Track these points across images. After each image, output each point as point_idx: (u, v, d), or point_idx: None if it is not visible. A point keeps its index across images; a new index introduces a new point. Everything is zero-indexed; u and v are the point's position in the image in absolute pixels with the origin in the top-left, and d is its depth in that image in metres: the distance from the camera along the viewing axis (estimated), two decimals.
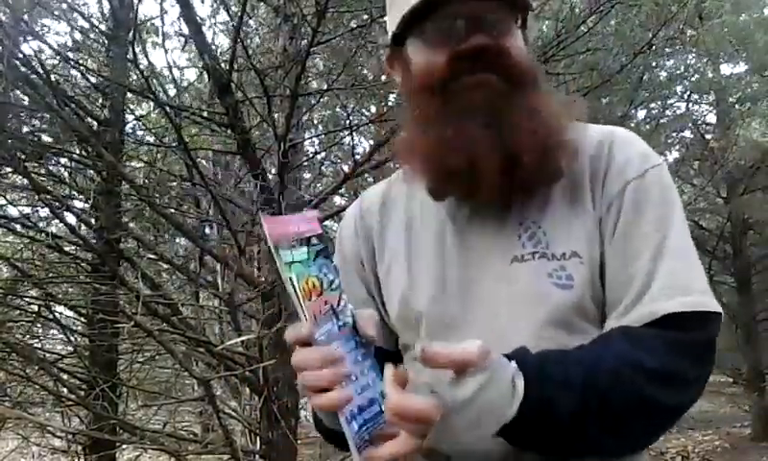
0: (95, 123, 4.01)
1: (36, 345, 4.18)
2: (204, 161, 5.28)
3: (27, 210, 4.28)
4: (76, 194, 3.98)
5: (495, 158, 0.80)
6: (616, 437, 0.74)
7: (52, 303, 3.84)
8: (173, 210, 3.75)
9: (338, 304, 0.72)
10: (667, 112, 7.55)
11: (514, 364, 0.69)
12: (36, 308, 3.95)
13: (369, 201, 1.02)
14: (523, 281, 0.83)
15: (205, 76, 3.68)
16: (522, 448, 0.72)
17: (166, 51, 4.83)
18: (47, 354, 3.98)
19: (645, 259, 0.80)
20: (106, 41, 4.69)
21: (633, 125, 6.37)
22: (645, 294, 0.78)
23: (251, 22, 4.70)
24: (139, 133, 4.75)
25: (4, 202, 4.09)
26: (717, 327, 0.80)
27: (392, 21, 0.91)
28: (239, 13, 2.85)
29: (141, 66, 2.93)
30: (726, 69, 7.82)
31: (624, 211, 0.82)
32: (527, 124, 0.80)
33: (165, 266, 4.43)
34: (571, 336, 0.80)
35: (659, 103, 7.13)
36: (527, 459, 0.74)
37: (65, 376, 3.73)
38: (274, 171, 3.55)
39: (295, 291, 0.70)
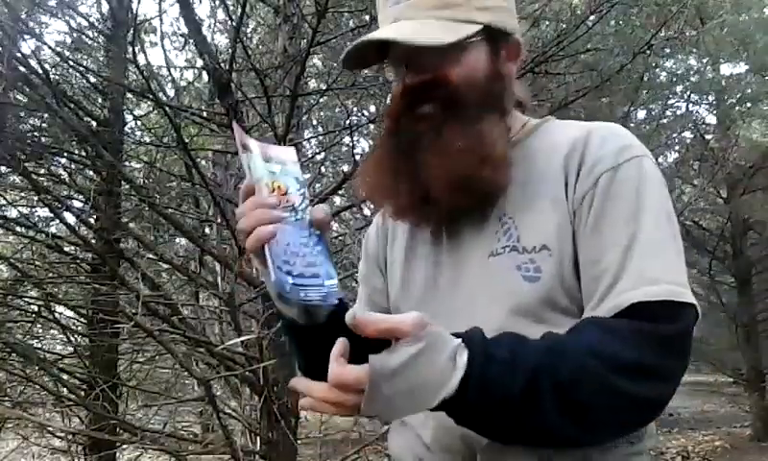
0: (94, 123, 4.01)
1: (36, 345, 4.19)
2: (203, 161, 5.28)
3: (27, 210, 4.29)
4: (76, 194, 3.98)
5: (405, 192, 0.89)
6: (580, 425, 0.73)
7: (52, 304, 3.84)
8: (173, 210, 3.75)
9: (299, 205, 0.82)
10: (667, 113, 7.54)
11: (458, 340, 0.69)
12: (36, 308, 3.95)
13: None
14: (496, 275, 0.86)
15: (204, 76, 3.68)
16: (469, 427, 0.73)
17: (165, 51, 4.83)
18: (47, 354, 3.98)
19: (616, 252, 0.79)
20: (105, 41, 4.69)
21: (633, 125, 6.37)
22: (615, 286, 0.78)
23: (250, 22, 4.70)
24: (138, 133, 4.75)
25: (4, 202, 4.09)
26: (690, 319, 0.78)
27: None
28: (239, 13, 2.85)
29: (141, 66, 2.93)
30: (726, 70, 7.82)
31: (596, 205, 0.82)
32: (434, 163, 0.85)
33: (165, 266, 4.43)
34: (540, 327, 0.80)
35: (659, 103, 7.12)
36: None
37: (65, 377, 3.74)
38: None
39: (251, 177, 0.80)
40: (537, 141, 0.92)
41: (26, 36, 3.31)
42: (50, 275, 3.91)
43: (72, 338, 4.11)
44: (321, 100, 4.68)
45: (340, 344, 0.70)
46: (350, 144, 4.08)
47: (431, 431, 0.86)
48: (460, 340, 0.70)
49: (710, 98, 8.10)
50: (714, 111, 8.40)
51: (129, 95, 4.50)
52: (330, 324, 0.86)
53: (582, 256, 0.83)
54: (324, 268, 0.80)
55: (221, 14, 5.01)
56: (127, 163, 4.63)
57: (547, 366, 0.70)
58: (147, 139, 4.15)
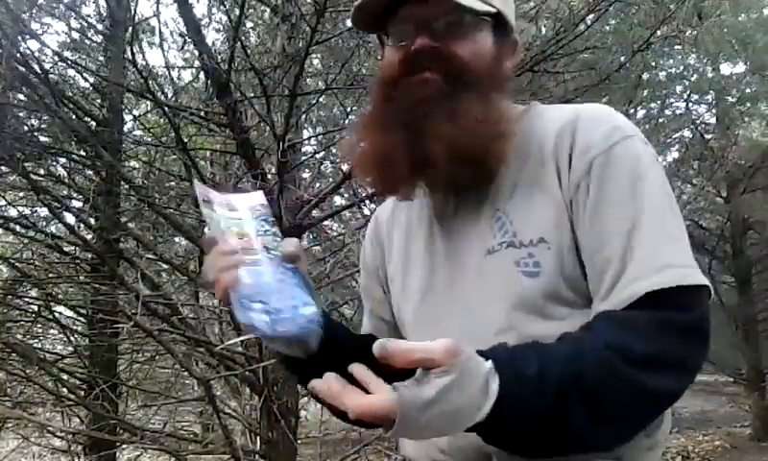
0: (93, 123, 4.01)
1: (35, 345, 4.20)
2: (202, 162, 5.27)
3: (26, 210, 4.29)
4: (75, 194, 3.99)
5: (404, 162, 0.84)
6: (610, 428, 0.72)
7: (52, 304, 3.85)
8: (172, 210, 3.75)
9: (271, 244, 0.82)
10: (667, 112, 7.53)
11: (489, 365, 0.67)
12: (35, 308, 3.96)
13: (382, 210, 1.08)
14: (495, 273, 0.84)
15: (202, 75, 3.68)
16: (499, 446, 0.71)
17: (164, 51, 4.83)
18: (47, 354, 3.99)
19: (619, 239, 0.77)
20: (103, 41, 4.69)
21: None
22: (623, 275, 0.76)
23: (248, 22, 4.70)
24: (137, 132, 4.75)
25: (4, 202, 4.09)
26: (705, 301, 0.77)
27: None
28: (237, 13, 2.85)
29: (139, 66, 2.94)
30: (726, 69, 7.80)
31: (591, 191, 0.80)
32: (443, 131, 0.82)
33: (165, 266, 4.43)
34: (546, 322, 0.80)
35: (658, 102, 7.11)
36: None
37: (65, 376, 3.74)
38: (273, 171, 3.55)
39: (218, 229, 0.80)
40: (523, 129, 0.89)
41: (25, 37, 3.31)
42: (50, 275, 3.92)
43: (72, 338, 4.12)
44: (320, 99, 4.67)
45: (360, 372, 0.66)
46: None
47: (447, 436, 0.85)
48: (491, 364, 0.67)
49: (710, 97, 8.09)
50: (714, 111, 8.40)
51: (128, 95, 4.50)
52: (327, 350, 0.83)
53: (583, 246, 0.80)
54: (301, 298, 0.79)
55: (219, 14, 5.01)
56: (126, 163, 4.63)
57: (572, 375, 0.69)
58: (146, 139, 4.15)
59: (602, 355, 0.70)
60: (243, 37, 3.64)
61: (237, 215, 0.83)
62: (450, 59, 0.85)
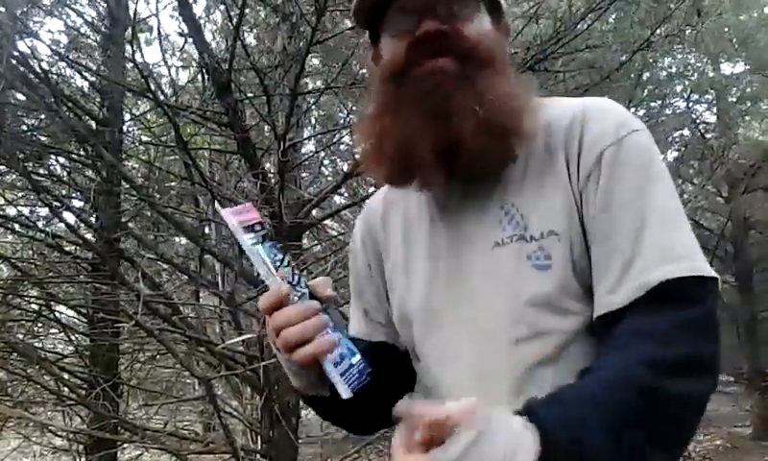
0: (93, 122, 4.01)
1: (36, 344, 4.19)
2: (202, 162, 5.27)
3: (26, 210, 4.29)
4: (75, 194, 3.99)
5: (429, 145, 0.81)
6: (666, 448, 0.70)
7: (52, 303, 3.85)
8: (172, 210, 3.75)
9: (293, 278, 0.78)
10: (667, 111, 7.53)
11: (518, 419, 0.64)
12: (36, 308, 3.96)
13: (371, 210, 1.05)
14: (504, 267, 0.82)
15: (202, 75, 3.68)
16: None
17: (164, 51, 4.81)
18: (48, 354, 3.99)
19: (627, 229, 0.76)
20: (103, 40, 4.69)
21: None
22: (631, 265, 0.75)
23: (248, 21, 4.69)
24: (138, 132, 4.75)
25: (4, 202, 4.10)
26: (716, 294, 0.76)
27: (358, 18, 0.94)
28: (238, 13, 2.85)
29: (140, 65, 2.93)
30: (726, 68, 7.80)
31: (602, 181, 0.79)
32: (471, 109, 0.80)
33: (165, 266, 4.43)
34: (556, 316, 0.79)
35: (658, 101, 7.11)
36: None
37: (66, 376, 3.74)
38: (273, 170, 3.55)
39: (265, 263, 0.77)
40: None
41: (24, 36, 3.31)
42: (50, 274, 3.92)
43: (73, 337, 4.12)
44: (320, 99, 4.68)
45: (403, 435, 0.65)
46: (351, 143, 4.08)
47: None
48: (524, 419, 0.64)
49: (710, 96, 8.09)
50: (714, 110, 8.40)
51: (128, 94, 4.50)
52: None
53: (592, 235, 0.79)
54: (345, 345, 0.77)
55: (218, 14, 5.01)
56: (126, 163, 4.63)
57: (613, 410, 0.66)
58: (146, 138, 4.15)
59: (639, 378, 0.68)
60: (243, 37, 3.64)
61: (251, 238, 0.79)
62: (460, 40, 0.83)
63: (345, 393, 0.74)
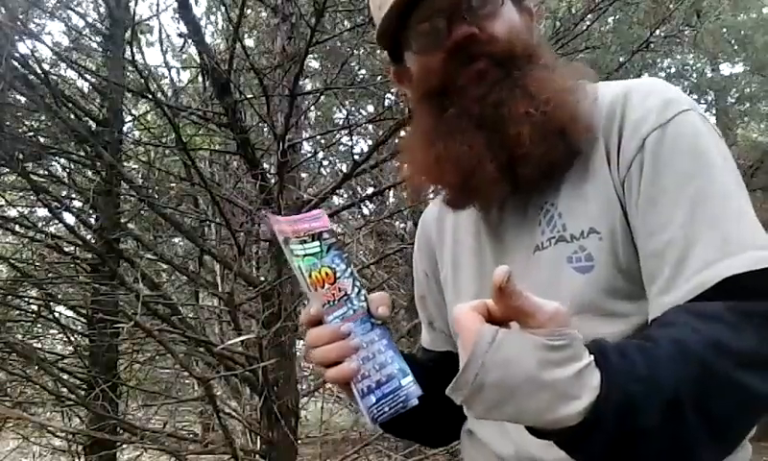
0: (93, 123, 4.02)
1: (36, 345, 4.19)
2: (201, 163, 5.27)
3: (26, 210, 4.29)
4: (75, 194, 3.99)
5: (493, 164, 0.76)
6: (720, 439, 0.62)
7: (52, 304, 3.85)
8: (172, 210, 3.75)
9: (351, 290, 0.75)
10: None
11: (589, 356, 0.57)
12: (35, 308, 3.96)
13: (428, 216, 1.04)
14: (544, 271, 0.78)
15: (202, 76, 3.68)
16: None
17: (164, 51, 4.81)
18: (47, 354, 3.99)
19: (679, 220, 0.68)
20: (103, 41, 4.70)
21: None
22: (687, 261, 0.67)
23: (247, 21, 4.70)
24: (137, 132, 4.75)
25: (3, 202, 4.10)
26: None
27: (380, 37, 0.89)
28: (237, 13, 2.85)
29: (140, 66, 2.93)
30: (725, 69, 7.82)
31: (646, 169, 0.71)
32: (525, 113, 0.74)
33: (165, 266, 4.43)
34: (603, 320, 0.73)
35: None
36: None
37: (65, 376, 3.74)
38: (273, 171, 3.55)
39: (305, 281, 0.74)
40: None
41: (24, 37, 3.31)
42: (50, 275, 3.92)
43: (72, 338, 4.11)
44: (319, 100, 4.68)
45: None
46: (350, 143, 4.09)
47: (512, 453, 0.80)
48: (591, 357, 0.57)
49: (709, 97, 8.11)
50: (713, 110, 8.42)
51: (127, 95, 4.50)
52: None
53: (638, 230, 0.72)
54: (397, 364, 0.73)
55: (218, 15, 5.02)
56: (126, 163, 4.63)
57: (686, 379, 0.58)
58: (146, 139, 4.15)
59: (703, 357, 0.60)
60: (242, 38, 3.64)
61: (314, 247, 0.76)
62: (494, 41, 0.78)
63: (369, 422, 0.72)
